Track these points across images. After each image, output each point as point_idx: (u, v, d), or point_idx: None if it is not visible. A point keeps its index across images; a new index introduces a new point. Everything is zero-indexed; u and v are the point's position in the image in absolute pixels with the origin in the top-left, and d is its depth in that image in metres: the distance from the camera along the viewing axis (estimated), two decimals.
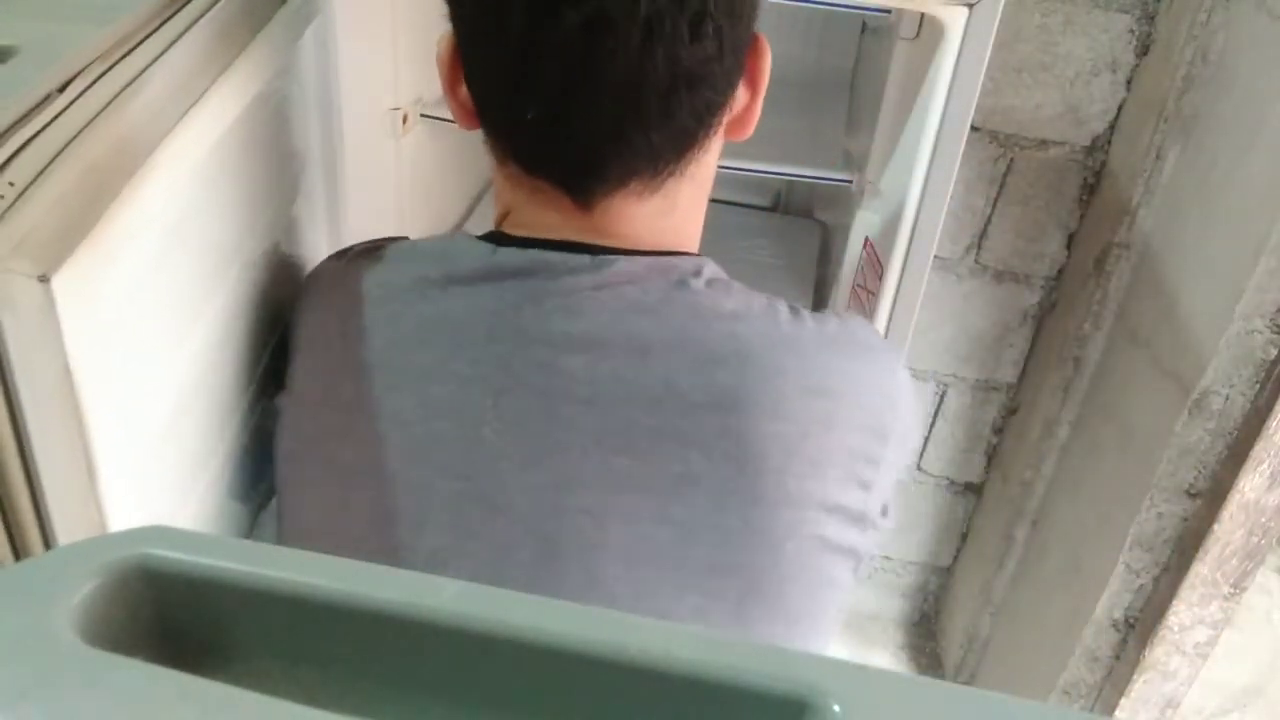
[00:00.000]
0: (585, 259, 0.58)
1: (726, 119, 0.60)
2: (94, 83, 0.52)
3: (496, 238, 0.62)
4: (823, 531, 0.59)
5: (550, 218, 0.60)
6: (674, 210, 0.61)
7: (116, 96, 0.52)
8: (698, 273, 0.59)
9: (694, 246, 0.64)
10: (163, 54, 0.56)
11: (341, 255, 0.70)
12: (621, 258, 0.58)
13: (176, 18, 0.60)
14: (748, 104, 0.61)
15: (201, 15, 0.61)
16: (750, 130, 0.63)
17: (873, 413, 0.60)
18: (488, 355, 0.58)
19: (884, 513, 0.64)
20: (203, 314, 0.65)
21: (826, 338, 0.60)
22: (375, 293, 0.62)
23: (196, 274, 0.63)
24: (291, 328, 0.69)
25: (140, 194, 0.50)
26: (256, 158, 0.70)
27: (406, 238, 0.68)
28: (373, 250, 0.66)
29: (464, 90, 0.61)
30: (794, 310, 0.60)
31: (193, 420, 0.64)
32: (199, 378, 0.64)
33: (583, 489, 0.57)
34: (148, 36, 0.57)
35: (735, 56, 0.57)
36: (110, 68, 0.54)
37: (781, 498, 0.57)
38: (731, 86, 0.59)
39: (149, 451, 0.57)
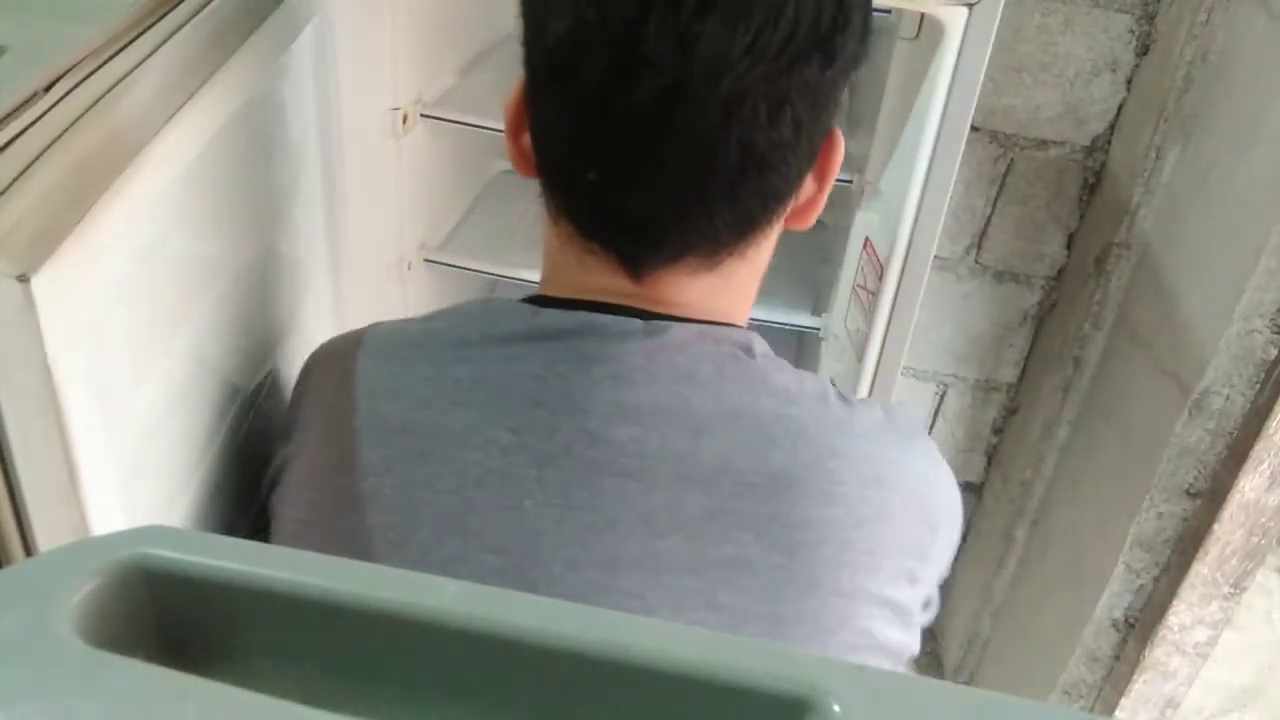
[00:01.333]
0: (637, 323, 0.56)
1: (791, 207, 0.58)
2: (81, 82, 0.52)
3: (538, 300, 0.59)
4: (871, 625, 0.56)
5: (598, 281, 0.57)
6: (728, 289, 0.58)
7: (104, 96, 0.52)
8: (749, 347, 0.57)
9: (743, 321, 0.62)
10: (153, 53, 0.56)
11: (357, 331, 0.66)
12: (675, 324, 0.56)
13: (168, 17, 0.60)
14: (813, 195, 0.59)
15: (194, 15, 0.61)
16: (811, 221, 0.60)
17: (923, 506, 0.58)
18: (531, 422, 0.55)
19: (926, 605, 0.62)
20: (194, 314, 0.64)
21: (875, 424, 0.58)
22: (405, 354, 0.59)
23: (187, 274, 0.62)
24: (302, 393, 0.66)
25: (126, 193, 0.50)
26: (252, 158, 0.70)
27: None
28: (396, 321, 0.64)
29: (527, 138, 0.58)
30: (841, 395, 0.59)
31: (183, 422, 0.64)
32: (189, 378, 0.64)
33: (628, 570, 0.54)
34: (138, 36, 0.57)
35: (810, 146, 0.55)
36: (99, 67, 0.53)
37: (834, 588, 0.55)
38: (801, 176, 0.57)
39: (135, 453, 0.57)
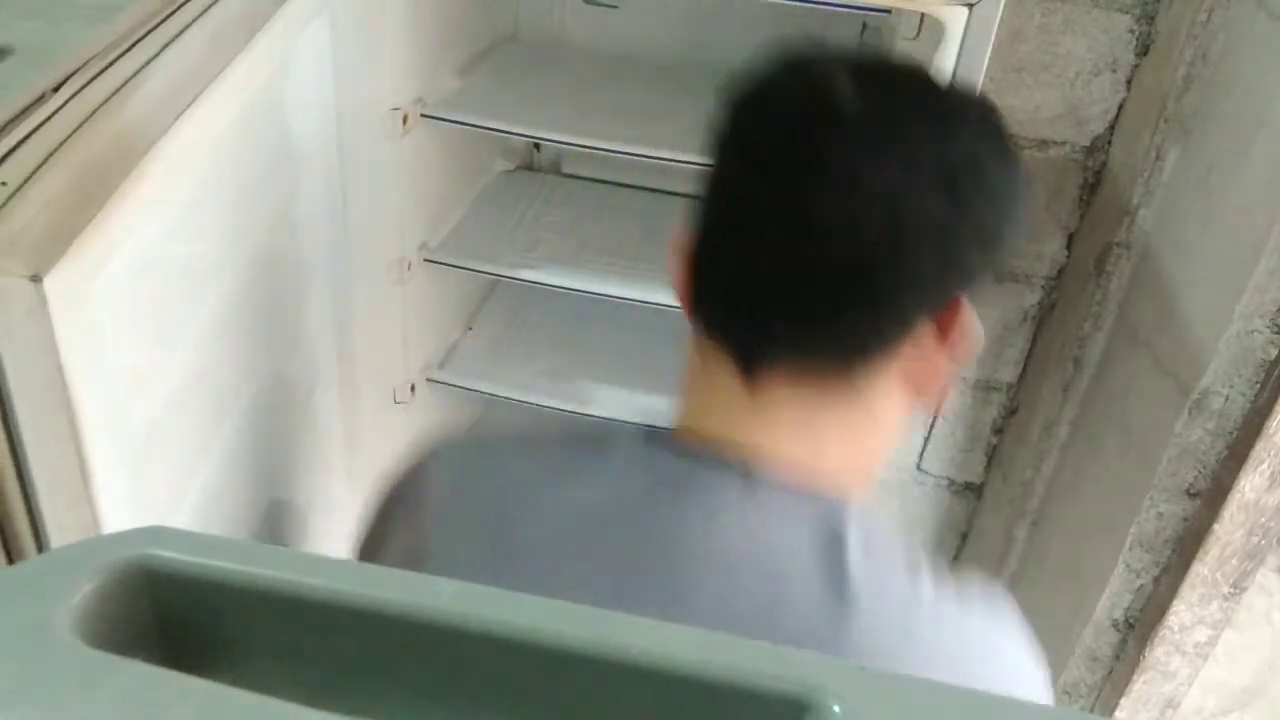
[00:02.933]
0: (737, 480, 0.57)
1: (900, 364, 0.58)
2: (89, 82, 0.52)
3: (655, 438, 0.61)
4: None
5: (716, 401, 0.60)
6: (839, 439, 0.60)
7: (112, 96, 0.52)
8: (844, 525, 0.57)
9: (857, 488, 0.61)
10: (159, 54, 0.56)
11: (462, 444, 0.68)
12: (774, 484, 0.57)
13: (174, 18, 0.60)
14: (933, 354, 0.59)
15: (200, 15, 0.61)
16: (933, 393, 0.60)
17: (1010, 688, 0.57)
18: (620, 553, 0.57)
19: None
20: (200, 310, 0.64)
21: (967, 616, 0.57)
22: (516, 482, 0.61)
23: (194, 272, 0.63)
24: (374, 535, 0.67)
25: (135, 193, 0.50)
26: (255, 157, 0.70)
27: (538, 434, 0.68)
28: (470, 445, 0.67)
29: (685, 274, 0.62)
30: (937, 578, 0.58)
31: (190, 418, 0.64)
32: (196, 376, 0.64)
33: None
34: (145, 36, 0.57)
35: (922, 286, 0.56)
36: (106, 67, 0.54)
37: None
38: (912, 314, 0.57)
39: (144, 450, 0.57)
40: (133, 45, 0.56)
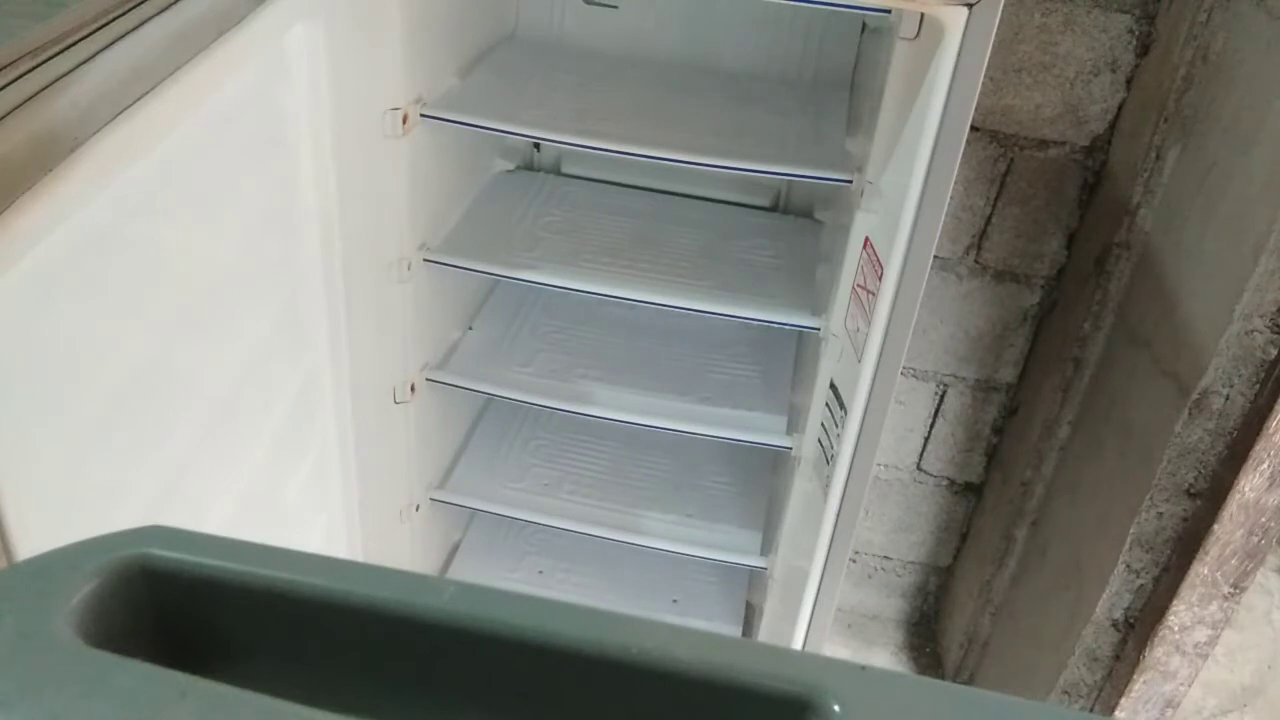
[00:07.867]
0: None
1: None
2: (15, 80, 0.51)
3: None
4: None
5: None
6: None
7: (38, 94, 0.50)
8: None
9: None
10: (98, 55, 0.54)
11: None
12: None
13: (126, 16, 0.58)
14: None
15: (157, 14, 0.59)
16: None
17: None
18: None
19: None
20: (163, 313, 0.62)
21: None
22: None
23: (150, 276, 0.61)
24: None
25: (55, 193, 0.48)
26: (235, 154, 0.69)
27: None
28: None
29: None
30: None
31: (158, 415, 0.62)
32: (162, 372, 0.62)
33: None
34: (89, 35, 0.56)
35: None
36: (38, 65, 0.52)
37: None
38: None
39: (67, 469, 0.55)
40: (74, 43, 0.54)
